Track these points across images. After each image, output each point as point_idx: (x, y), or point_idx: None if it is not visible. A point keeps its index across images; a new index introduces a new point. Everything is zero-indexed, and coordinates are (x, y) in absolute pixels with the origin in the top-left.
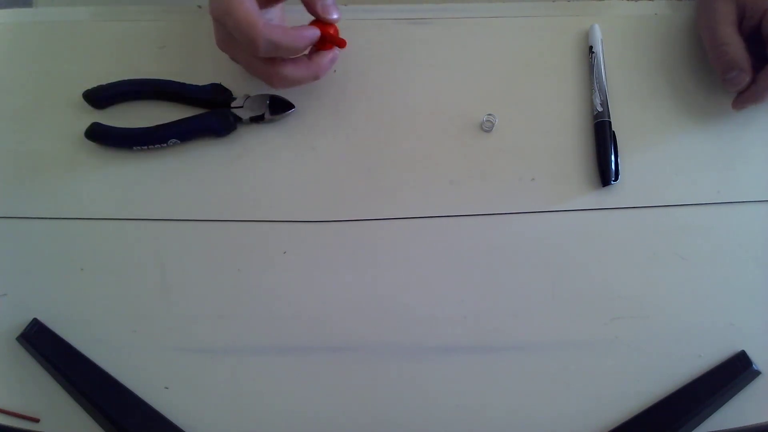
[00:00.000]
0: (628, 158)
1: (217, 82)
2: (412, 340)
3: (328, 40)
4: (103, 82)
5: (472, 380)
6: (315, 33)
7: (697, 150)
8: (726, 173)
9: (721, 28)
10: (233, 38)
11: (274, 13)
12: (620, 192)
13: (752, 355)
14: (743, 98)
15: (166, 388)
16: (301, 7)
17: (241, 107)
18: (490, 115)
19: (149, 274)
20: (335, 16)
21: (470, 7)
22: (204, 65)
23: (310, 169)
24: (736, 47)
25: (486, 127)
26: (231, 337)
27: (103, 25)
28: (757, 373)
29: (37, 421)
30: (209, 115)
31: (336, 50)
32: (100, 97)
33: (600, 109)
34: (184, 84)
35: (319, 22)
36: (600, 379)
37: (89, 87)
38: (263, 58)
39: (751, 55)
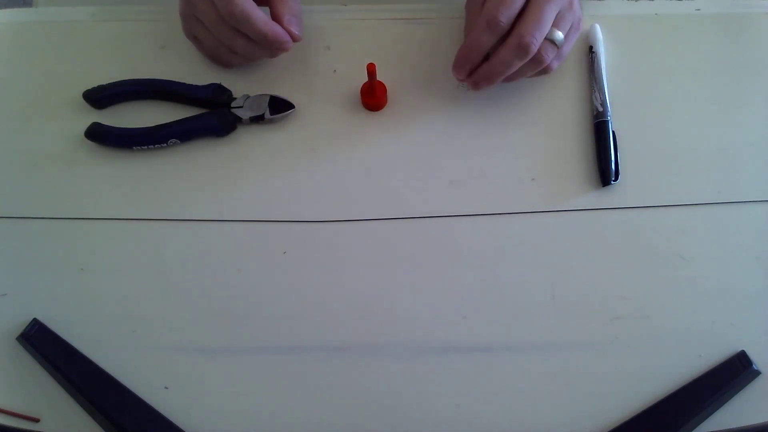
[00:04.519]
0: (628, 158)
1: (217, 82)
2: (412, 340)
3: None
4: (103, 82)
5: (472, 380)
6: (285, 35)
7: (697, 150)
8: (726, 173)
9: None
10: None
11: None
12: (620, 192)
13: (752, 355)
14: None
15: (166, 388)
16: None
17: (241, 107)
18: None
19: (149, 274)
20: (296, 33)
21: None
22: (204, 65)
23: (310, 169)
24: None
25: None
26: (231, 337)
27: (103, 25)
28: (757, 373)
29: (37, 421)
30: (209, 115)
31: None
32: (100, 97)
33: (600, 109)
34: (184, 84)
35: None
36: (600, 379)
37: (89, 87)
38: (224, 28)
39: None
